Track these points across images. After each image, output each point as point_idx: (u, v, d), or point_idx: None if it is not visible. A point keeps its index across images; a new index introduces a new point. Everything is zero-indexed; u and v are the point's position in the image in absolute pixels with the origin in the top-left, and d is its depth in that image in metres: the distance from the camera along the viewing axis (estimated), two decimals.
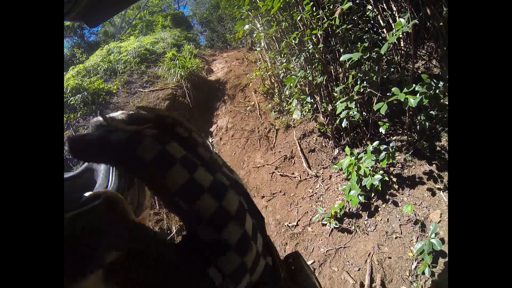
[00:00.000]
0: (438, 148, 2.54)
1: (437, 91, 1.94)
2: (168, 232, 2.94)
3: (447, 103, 2.05)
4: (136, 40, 8.20)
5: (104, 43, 9.91)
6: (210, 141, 4.55)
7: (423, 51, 3.33)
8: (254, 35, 3.51)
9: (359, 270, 2.09)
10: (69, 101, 4.77)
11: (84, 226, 0.25)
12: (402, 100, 1.88)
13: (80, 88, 4.97)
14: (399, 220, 2.23)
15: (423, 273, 1.82)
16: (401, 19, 1.86)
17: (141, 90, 5.33)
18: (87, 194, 0.29)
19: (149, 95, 5.07)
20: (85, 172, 0.38)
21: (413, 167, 2.52)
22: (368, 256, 2.12)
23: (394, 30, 1.92)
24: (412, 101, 1.84)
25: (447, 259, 1.87)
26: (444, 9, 2.23)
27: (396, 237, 2.15)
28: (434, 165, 2.45)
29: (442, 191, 2.27)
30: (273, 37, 3.38)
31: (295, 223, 2.67)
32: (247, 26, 2.94)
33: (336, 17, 2.01)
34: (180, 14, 15.05)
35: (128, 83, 5.58)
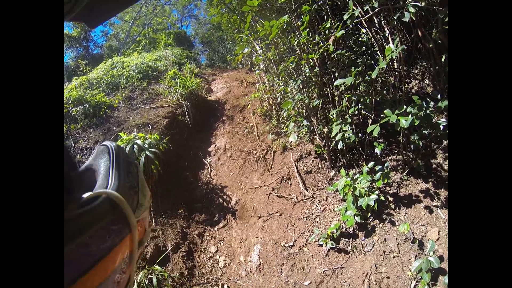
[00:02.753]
0: (434, 166, 2.55)
1: (428, 112, 2.00)
2: (164, 249, 2.89)
3: (439, 122, 2.10)
4: (139, 56, 8.39)
5: (108, 57, 10.09)
6: (208, 161, 4.56)
7: (416, 71, 3.42)
8: (254, 58, 3.63)
9: None
10: (70, 111, 4.76)
11: (84, 227, 0.25)
12: (394, 121, 1.94)
13: (82, 100, 4.99)
14: (397, 239, 2.22)
15: None
16: (391, 45, 1.97)
17: (142, 106, 5.39)
18: (86, 194, 0.29)
19: (149, 112, 5.13)
20: (85, 172, 0.38)
21: (410, 185, 2.53)
22: (366, 276, 2.10)
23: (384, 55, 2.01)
24: (404, 122, 1.90)
25: (446, 276, 1.84)
26: (434, 31, 2.31)
27: (394, 257, 2.13)
28: (430, 183, 2.46)
29: (440, 208, 2.26)
30: (272, 60, 3.50)
31: (292, 244, 2.65)
32: (246, 50, 3.06)
33: (330, 43, 2.12)
34: (182, 33, 15.55)
35: (129, 99, 5.66)
